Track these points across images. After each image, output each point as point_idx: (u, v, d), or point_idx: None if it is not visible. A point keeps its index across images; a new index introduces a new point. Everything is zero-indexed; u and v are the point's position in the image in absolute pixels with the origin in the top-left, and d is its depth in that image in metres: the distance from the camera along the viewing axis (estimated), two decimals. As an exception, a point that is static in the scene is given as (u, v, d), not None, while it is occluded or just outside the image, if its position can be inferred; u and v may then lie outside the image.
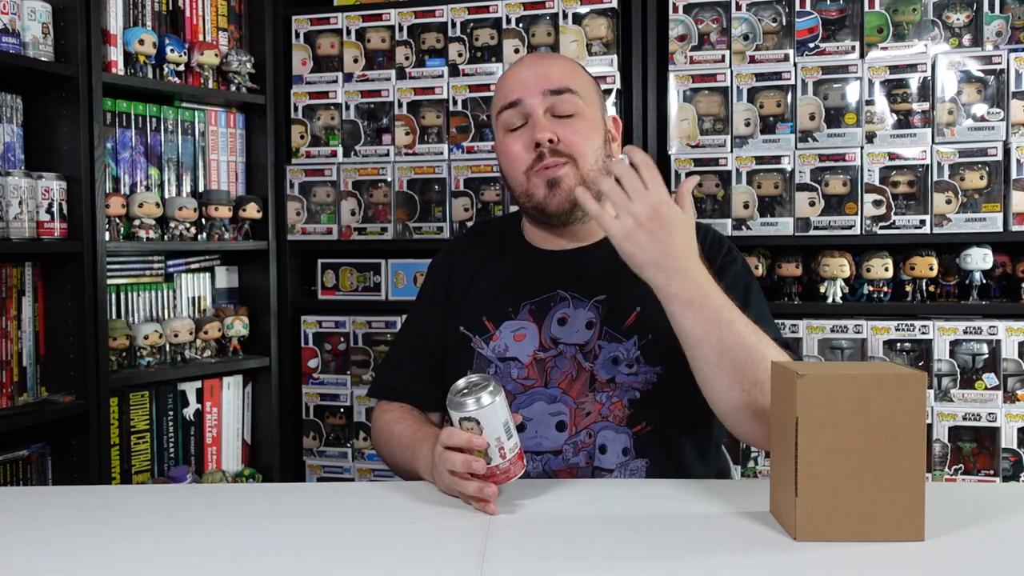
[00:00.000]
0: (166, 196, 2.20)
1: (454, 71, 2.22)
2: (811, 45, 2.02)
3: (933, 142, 1.96)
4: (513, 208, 2.14)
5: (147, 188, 2.17)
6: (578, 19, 2.14)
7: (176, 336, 2.16)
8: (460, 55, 2.22)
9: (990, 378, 1.92)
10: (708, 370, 1.14)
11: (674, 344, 1.28)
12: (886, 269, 2.01)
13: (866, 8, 1.99)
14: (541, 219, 1.36)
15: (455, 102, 2.21)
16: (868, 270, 2.02)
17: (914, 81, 1.97)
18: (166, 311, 2.24)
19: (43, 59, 1.87)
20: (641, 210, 1.10)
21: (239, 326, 2.28)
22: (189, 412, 2.24)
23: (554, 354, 1.31)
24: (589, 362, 1.30)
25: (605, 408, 1.29)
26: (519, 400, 1.31)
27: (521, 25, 2.17)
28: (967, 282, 2.00)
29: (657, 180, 1.11)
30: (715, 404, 1.18)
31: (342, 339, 2.29)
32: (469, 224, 2.18)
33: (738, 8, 2.05)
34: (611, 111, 1.94)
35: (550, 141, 1.29)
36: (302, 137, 2.32)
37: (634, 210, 1.10)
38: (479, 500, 1.06)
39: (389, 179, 2.25)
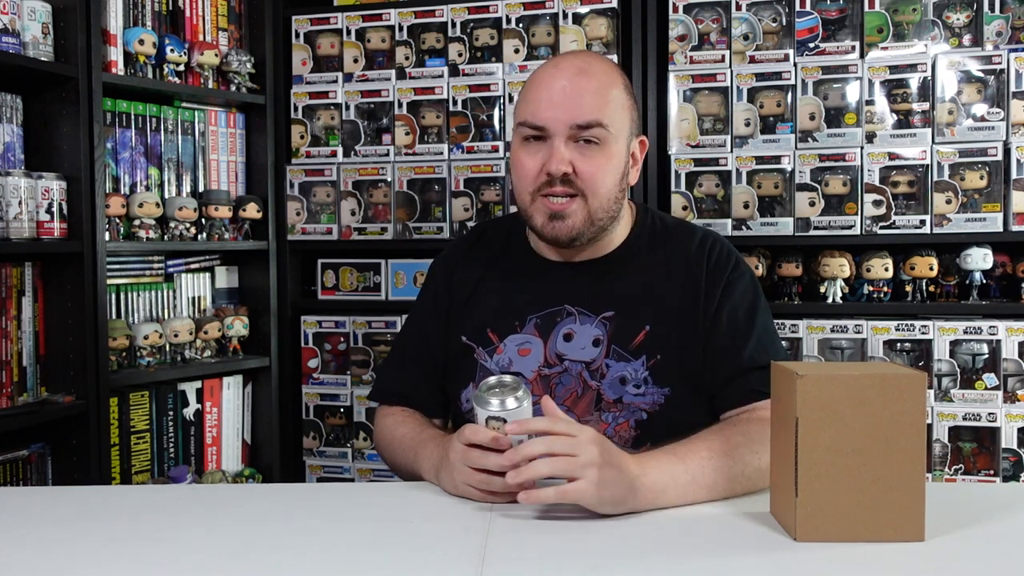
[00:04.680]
0: (166, 196, 2.20)
1: (454, 71, 2.22)
2: (811, 45, 2.02)
3: (933, 142, 1.96)
4: (514, 208, 2.14)
5: (147, 188, 2.17)
6: (578, 19, 2.14)
7: (176, 336, 2.16)
8: (460, 55, 2.22)
9: (990, 378, 1.92)
10: (712, 500, 1.10)
11: (683, 366, 1.27)
12: (886, 269, 2.01)
13: (866, 8, 1.99)
14: (538, 236, 1.32)
15: (455, 102, 2.21)
16: (868, 270, 2.02)
17: (914, 81, 1.97)
18: (166, 311, 2.24)
19: (43, 59, 1.87)
20: (592, 454, 0.99)
21: (239, 326, 2.28)
22: (189, 412, 2.23)
23: (559, 371, 1.29)
24: (596, 380, 1.28)
25: (611, 428, 1.27)
26: None
27: (521, 25, 2.17)
28: (967, 282, 2.00)
29: (561, 422, 1.04)
30: None
31: (342, 339, 2.29)
32: (469, 224, 2.18)
33: (738, 8, 2.05)
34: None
35: (564, 173, 1.23)
36: (302, 137, 2.32)
37: (586, 459, 0.99)
38: (509, 494, 1.04)
39: (389, 179, 2.25)
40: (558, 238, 1.27)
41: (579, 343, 1.29)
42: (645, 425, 1.26)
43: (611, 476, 1.00)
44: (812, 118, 2.01)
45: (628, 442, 1.27)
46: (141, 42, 2.07)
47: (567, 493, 0.99)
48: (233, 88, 2.29)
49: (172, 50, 2.14)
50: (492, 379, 1.09)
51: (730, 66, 2.06)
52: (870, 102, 1.99)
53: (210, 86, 2.24)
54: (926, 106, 1.96)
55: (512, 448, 1.03)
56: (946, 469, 1.94)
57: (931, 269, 1.99)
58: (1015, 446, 1.91)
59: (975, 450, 1.94)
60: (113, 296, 2.10)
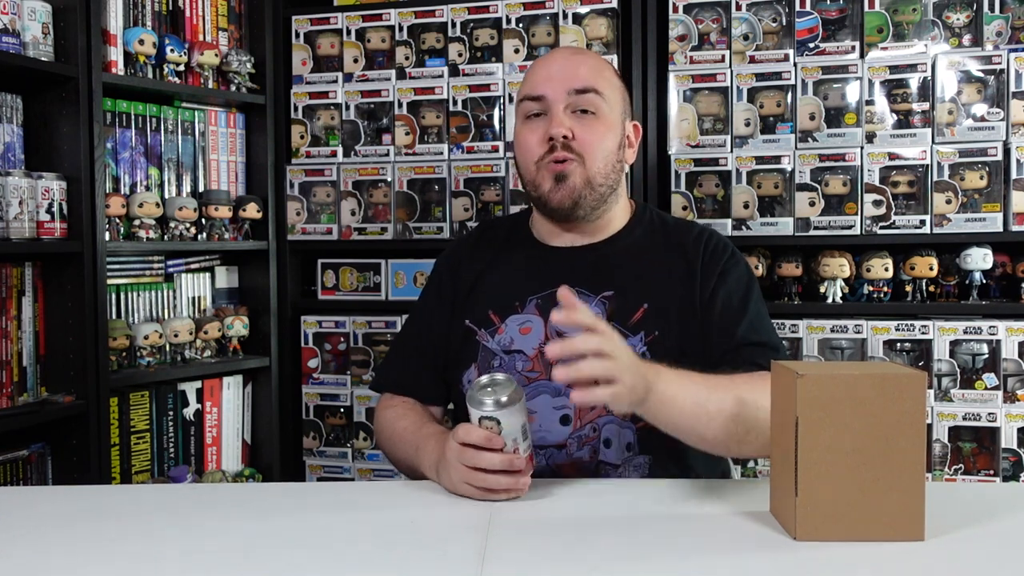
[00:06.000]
0: (166, 196, 2.20)
1: (454, 71, 2.22)
2: (811, 45, 2.02)
3: (933, 142, 1.96)
4: (514, 208, 2.15)
5: (147, 188, 2.17)
6: (578, 19, 2.14)
7: (176, 336, 2.16)
8: (460, 55, 2.22)
9: (990, 378, 1.92)
10: (705, 437, 1.14)
11: (681, 342, 1.30)
12: (886, 269, 2.01)
13: (866, 8, 1.99)
14: (545, 212, 1.38)
15: (455, 102, 2.21)
16: (868, 270, 2.01)
17: (914, 81, 1.97)
18: (166, 311, 2.23)
19: (43, 59, 1.87)
20: (628, 357, 1.04)
21: (239, 326, 2.28)
22: (189, 412, 2.23)
23: None
24: None
25: None
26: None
27: (521, 25, 2.17)
28: (967, 282, 2.00)
29: (602, 322, 1.05)
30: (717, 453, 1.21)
31: (342, 339, 2.29)
32: (470, 224, 2.18)
33: (738, 8, 2.05)
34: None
35: (564, 137, 1.30)
36: (302, 137, 2.32)
37: (625, 364, 1.03)
38: (506, 492, 1.07)
39: (389, 179, 2.25)
40: (562, 202, 1.32)
41: None
42: None
43: (639, 382, 1.05)
44: (812, 118, 2.01)
45: (627, 415, 1.29)
46: (141, 42, 2.07)
47: (599, 396, 1.02)
48: (233, 88, 2.29)
49: (172, 50, 2.13)
50: (484, 378, 1.09)
51: (730, 66, 2.06)
52: (870, 102, 1.99)
53: (210, 86, 2.24)
54: (926, 106, 1.96)
55: (504, 447, 1.06)
56: (946, 469, 1.94)
57: (931, 269, 1.99)
58: (1015, 446, 1.91)
59: (975, 450, 1.94)
60: (113, 296, 2.10)
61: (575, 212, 1.34)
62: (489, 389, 1.07)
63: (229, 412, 2.32)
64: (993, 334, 1.92)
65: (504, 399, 1.06)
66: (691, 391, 1.12)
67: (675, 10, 2.08)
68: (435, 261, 1.53)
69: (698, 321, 1.31)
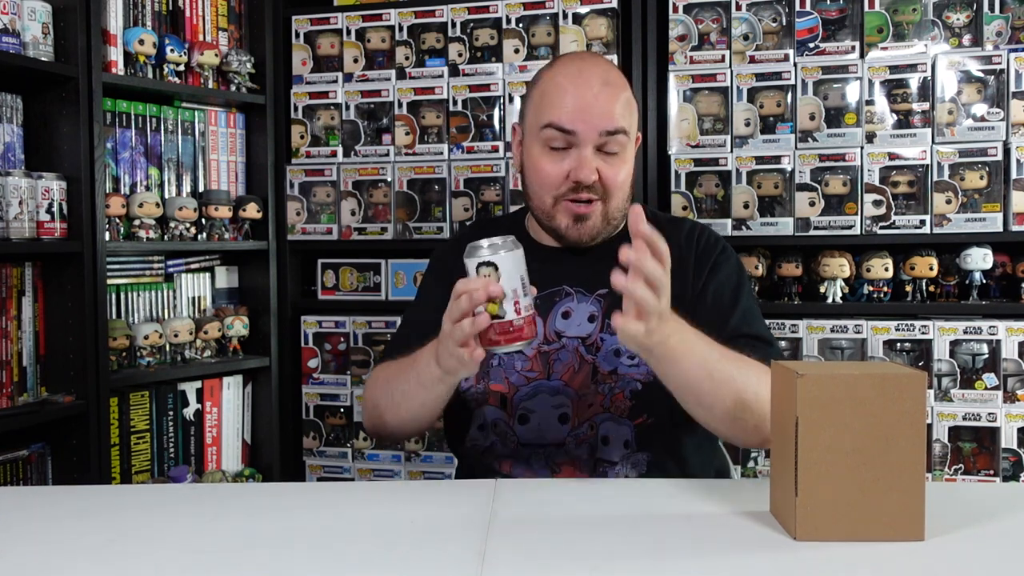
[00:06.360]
0: (166, 196, 2.20)
1: (454, 71, 2.22)
2: (811, 45, 2.02)
3: (933, 142, 1.96)
4: (513, 208, 2.15)
5: (147, 188, 2.17)
6: (578, 19, 2.14)
7: (176, 336, 2.16)
8: (460, 55, 2.22)
9: (990, 378, 1.92)
10: (703, 401, 1.16)
11: None
12: (886, 269, 2.01)
13: (866, 8, 1.99)
14: (555, 238, 1.38)
15: (455, 102, 2.21)
16: (868, 270, 2.01)
17: (914, 81, 1.97)
18: (166, 311, 2.23)
19: (43, 59, 1.87)
20: (665, 307, 1.04)
21: (239, 326, 2.28)
22: (189, 412, 2.23)
23: (557, 347, 1.33)
24: (591, 354, 1.32)
25: (607, 399, 1.30)
26: (522, 392, 1.33)
27: (521, 25, 2.17)
28: (967, 282, 2.00)
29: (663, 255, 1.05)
30: (708, 427, 1.21)
31: (342, 339, 2.29)
32: (469, 224, 2.18)
33: (738, 8, 2.05)
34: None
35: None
36: (302, 137, 2.32)
37: (661, 307, 1.04)
38: (470, 343, 1.06)
39: (389, 179, 2.25)
40: (581, 239, 1.34)
41: (576, 320, 1.34)
42: (640, 395, 1.30)
43: (657, 332, 1.05)
44: (812, 118, 2.01)
45: (624, 412, 1.30)
46: (141, 42, 2.07)
47: (627, 329, 1.03)
48: (233, 88, 2.29)
49: (172, 50, 2.14)
50: (480, 240, 1.09)
51: (730, 66, 2.06)
52: (870, 102, 1.99)
53: (210, 86, 2.24)
54: (926, 106, 1.96)
55: (504, 296, 1.06)
56: (946, 469, 1.94)
57: (931, 269, 1.99)
58: (1015, 446, 1.91)
59: (975, 450, 1.94)
60: (113, 296, 2.10)
61: (589, 245, 1.36)
62: (485, 241, 1.07)
63: (229, 412, 2.32)
64: (993, 334, 1.92)
65: (500, 244, 1.05)
66: (700, 355, 1.12)
67: (675, 10, 2.08)
68: (431, 258, 1.53)
69: (691, 316, 1.31)
